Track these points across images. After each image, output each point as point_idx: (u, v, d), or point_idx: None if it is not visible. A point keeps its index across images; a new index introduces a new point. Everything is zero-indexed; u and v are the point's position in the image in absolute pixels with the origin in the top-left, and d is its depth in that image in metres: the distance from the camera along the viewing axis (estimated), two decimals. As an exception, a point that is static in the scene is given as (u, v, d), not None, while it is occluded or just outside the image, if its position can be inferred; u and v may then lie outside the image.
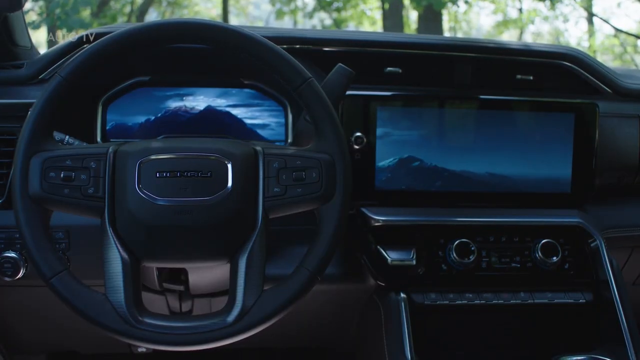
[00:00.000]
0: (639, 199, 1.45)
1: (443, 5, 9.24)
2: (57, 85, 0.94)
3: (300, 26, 14.14)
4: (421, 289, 1.23)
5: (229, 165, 0.94)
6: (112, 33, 0.97)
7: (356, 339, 1.49)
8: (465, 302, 1.23)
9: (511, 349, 1.31)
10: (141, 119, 1.29)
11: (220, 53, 1.20)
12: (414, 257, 1.22)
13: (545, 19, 13.62)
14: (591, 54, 1.51)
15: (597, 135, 1.30)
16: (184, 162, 0.94)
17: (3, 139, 1.19)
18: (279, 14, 13.44)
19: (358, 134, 1.23)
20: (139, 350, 1.64)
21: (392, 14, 10.82)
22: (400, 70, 1.33)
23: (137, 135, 1.29)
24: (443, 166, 1.27)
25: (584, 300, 1.26)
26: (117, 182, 0.93)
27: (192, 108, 1.30)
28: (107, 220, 0.93)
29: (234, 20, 15.57)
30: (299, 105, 1.19)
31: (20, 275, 1.17)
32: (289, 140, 1.31)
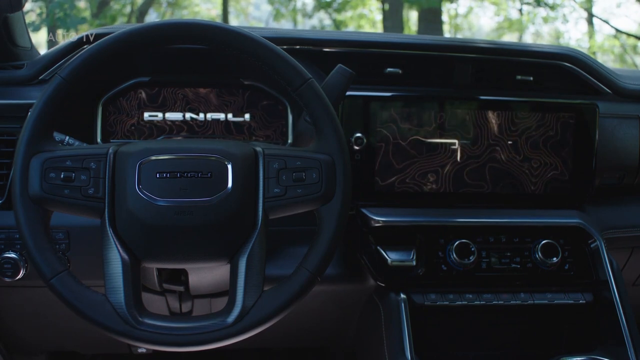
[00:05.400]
0: (639, 199, 1.45)
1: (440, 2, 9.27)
2: (57, 86, 0.94)
3: (299, 27, 14.15)
4: (421, 290, 1.23)
5: (229, 166, 0.94)
6: (113, 34, 0.97)
7: (356, 339, 1.49)
8: (465, 302, 1.23)
9: (511, 349, 1.31)
10: (141, 119, 1.29)
11: (221, 54, 1.20)
12: (414, 257, 1.22)
13: (546, 20, 13.64)
14: (591, 55, 1.50)
15: (597, 136, 1.30)
16: (184, 162, 0.94)
17: (3, 140, 1.19)
18: (277, 15, 13.44)
19: (358, 134, 1.23)
20: (139, 350, 1.64)
21: (392, 15, 10.82)
22: (400, 71, 1.33)
23: (137, 136, 1.29)
24: (443, 167, 1.27)
25: (584, 301, 1.26)
26: (117, 182, 0.93)
27: (192, 109, 1.30)
28: (107, 221, 0.93)
29: (233, 21, 15.58)
30: (299, 105, 1.19)
31: (20, 275, 1.17)
32: (289, 141, 1.31)
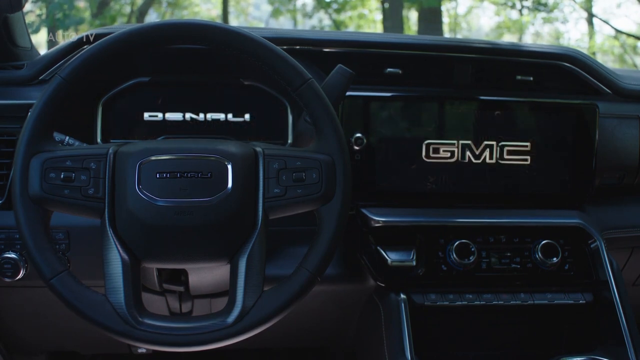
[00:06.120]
0: (639, 199, 1.45)
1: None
2: (57, 86, 0.94)
3: (299, 27, 14.16)
4: (421, 290, 1.23)
5: (229, 166, 0.94)
6: (113, 34, 0.97)
7: (356, 339, 1.49)
8: (465, 302, 1.23)
9: (511, 349, 1.31)
10: (141, 119, 1.29)
11: (221, 54, 1.20)
12: (414, 257, 1.22)
13: (546, 20, 13.65)
14: (591, 55, 1.50)
15: (597, 136, 1.30)
16: (184, 162, 0.94)
17: (3, 140, 1.19)
18: (276, 13, 13.46)
19: (358, 134, 1.23)
20: (139, 350, 1.64)
21: (392, 15, 10.83)
22: (400, 71, 1.33)
23: (137, 136, 1.29)
24: (443, 167, 1.27)
25: (584, 301, 1.26)
26: (117, 182, 0.94)
27: (192, 109, 1.30)
28: (107, 221, 0.93)
29: (233, 22, 15.59)
30: (299, 105, 1.19)
31: (20, 276, 1.17)
32: (289, 141, 1.31)
